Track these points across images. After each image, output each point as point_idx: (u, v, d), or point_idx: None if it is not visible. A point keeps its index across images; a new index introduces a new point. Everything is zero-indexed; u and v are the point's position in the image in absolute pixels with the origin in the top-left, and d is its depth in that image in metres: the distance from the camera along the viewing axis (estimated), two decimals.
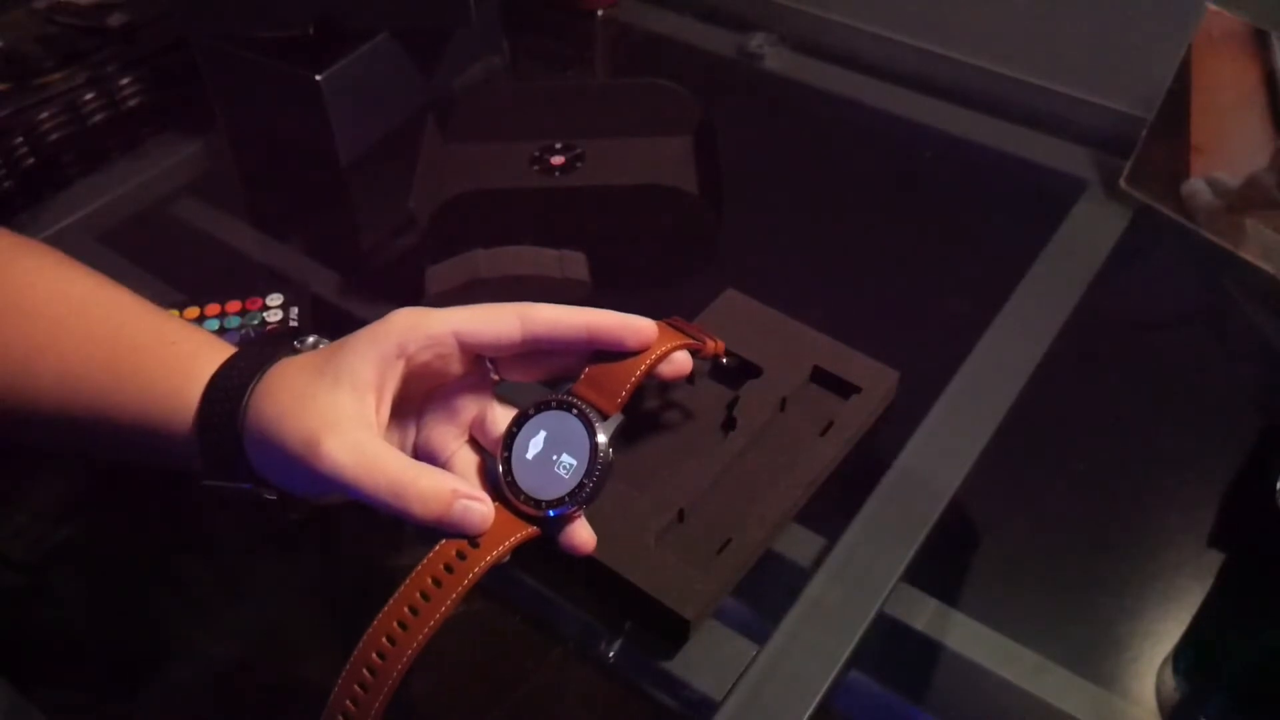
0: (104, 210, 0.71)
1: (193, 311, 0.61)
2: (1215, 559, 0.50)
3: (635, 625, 0.47)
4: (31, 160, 0.69)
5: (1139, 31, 0.73)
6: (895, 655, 0.48)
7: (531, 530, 0.39)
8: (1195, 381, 0.60)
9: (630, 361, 0.41)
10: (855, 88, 0.81)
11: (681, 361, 0.44)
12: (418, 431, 0.43)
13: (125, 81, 0.73)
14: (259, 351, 0.42)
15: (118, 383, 0.42)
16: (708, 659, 0.46)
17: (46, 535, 0.53)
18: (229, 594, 0.51)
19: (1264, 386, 0.60)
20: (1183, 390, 0.60)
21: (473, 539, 0.38)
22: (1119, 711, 0.45)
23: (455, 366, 0.42)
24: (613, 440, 0.40)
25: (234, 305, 0.61)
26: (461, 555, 0.38)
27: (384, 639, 0.37)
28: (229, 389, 0.40)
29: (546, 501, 0.39)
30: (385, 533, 0.50)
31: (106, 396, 0.42)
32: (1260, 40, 0.60)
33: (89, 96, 0.71)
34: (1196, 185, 0.65)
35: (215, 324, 0.60)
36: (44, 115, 0.69)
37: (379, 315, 0.41)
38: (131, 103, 0.73)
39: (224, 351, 0.42)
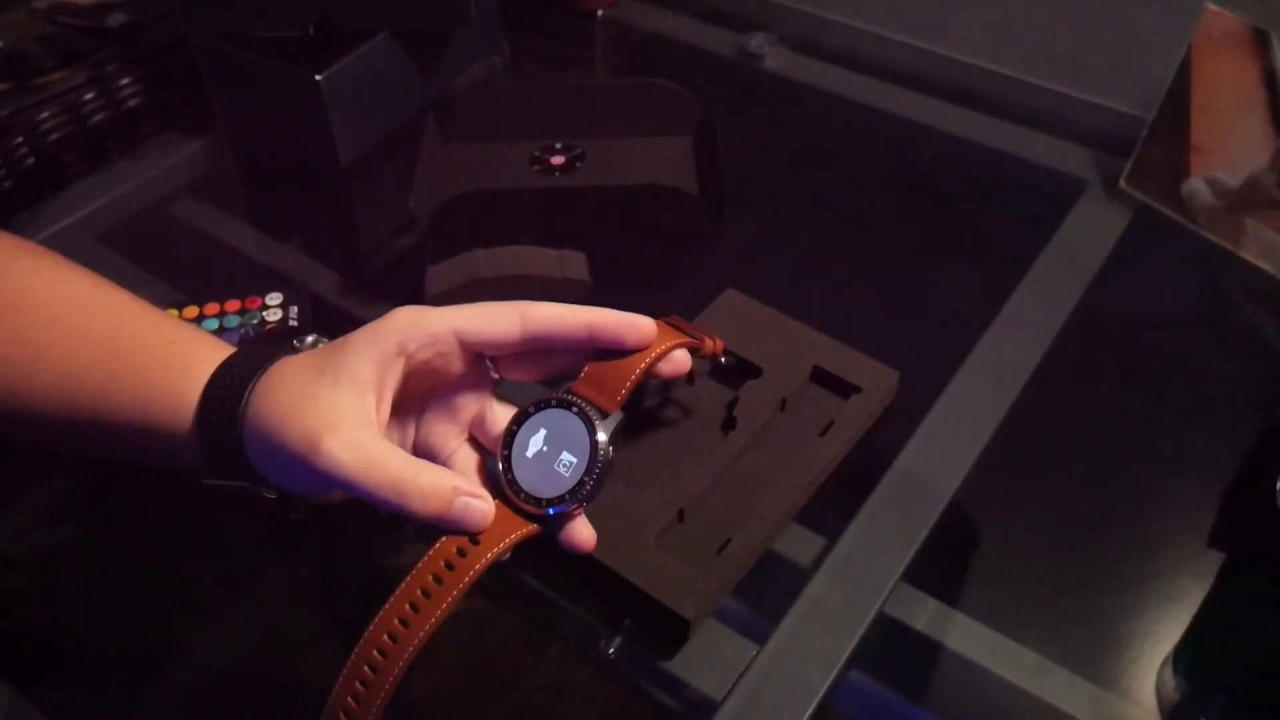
0: (104, 210, 0.71)
1: (192, 311, 0.61)
2: (1215, 559, 0.50)
3: (635, 625, 0.47)
4: (31, 160, 0.68)
5: (1139, 31, 0.72)
6: (895, 655, 0.48)
7: (532, 528, 0.39)
8: (1195, 381, 0.60)
9: (630, 360, 0.42)
10: (855, 88, 0.81)
11: (681, 360, 0.44)
12: (418, 430, 0.43)
13: (125, 81, 0.73)
14: (259, 351, 0.42)
15: (117, 383, 0.42)
16: (708, 659, 0.46)
17: (46, 535, 0.53)
18: (229, 594, 0.51)
19: (1264, 386, 0.60)
20: (1183, 390, 0.59)
21: (473, 536, 0.38)
22: (1119, 711, 0.45)
23: (455, 365, 0.42)
24: (613, 438, 0.40)
25: (234, 305, 0.61)
26: (462, 553, 0.38)
27: (385, 636, 0.37)
28: (229, 388, 0.40)
29: (547, 499, 0.39)
30: (385, 532, 0.50)
31: (106, 396, 0.42)
32: (1260, 40, 0.60)
33: (89, 96, 0.71)
34: (1196, 185, 0.65)
35: (215, 324, 0.60)
36: (44, 115, 0.68)
37: (379, 315, 0.41)
38: (131, 103, 0.73)
39: (223, 351, 0.42)
